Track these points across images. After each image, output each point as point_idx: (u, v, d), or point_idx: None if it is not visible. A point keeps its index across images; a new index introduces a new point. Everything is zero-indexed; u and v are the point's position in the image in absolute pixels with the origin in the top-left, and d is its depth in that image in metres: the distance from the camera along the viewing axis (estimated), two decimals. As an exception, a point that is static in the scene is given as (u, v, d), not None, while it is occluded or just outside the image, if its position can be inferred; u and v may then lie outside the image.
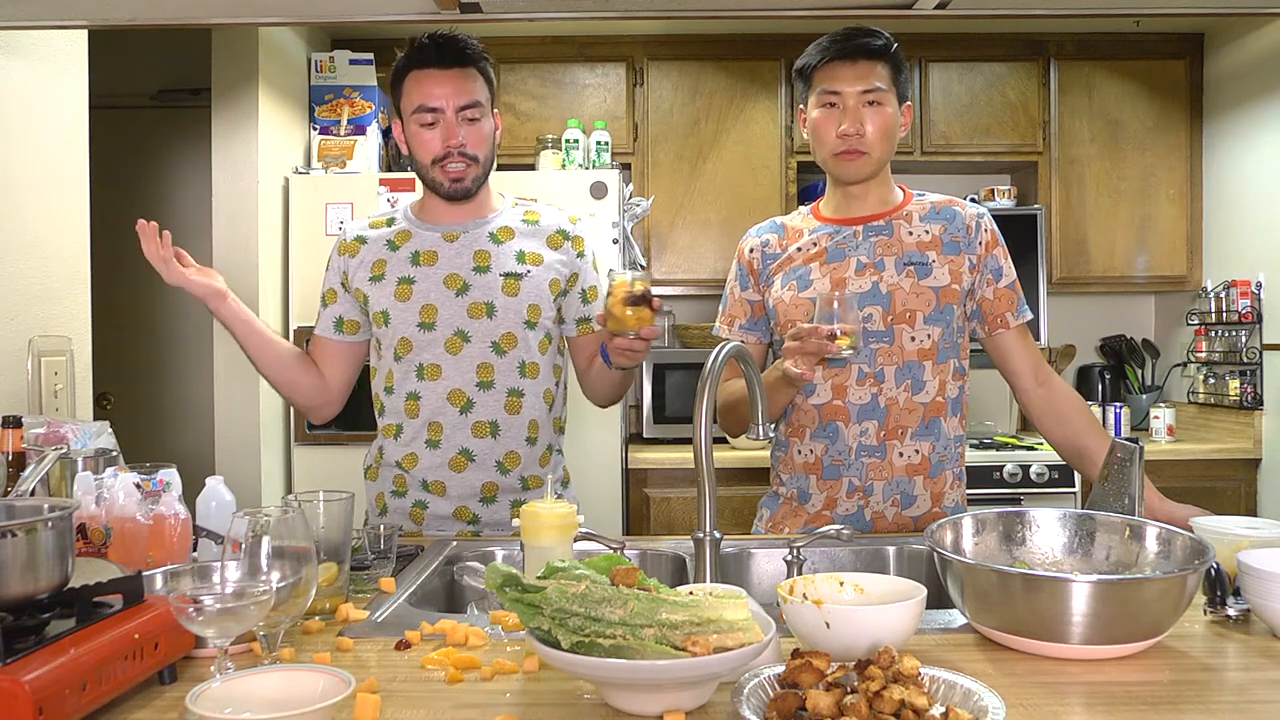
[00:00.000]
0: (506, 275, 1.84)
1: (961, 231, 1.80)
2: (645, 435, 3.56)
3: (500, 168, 3.46)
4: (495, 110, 1.86)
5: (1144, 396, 3.87)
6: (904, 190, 1.86)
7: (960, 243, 1.79)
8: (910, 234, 1.79)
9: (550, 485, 1.29)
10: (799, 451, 1.81)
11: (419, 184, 1.90)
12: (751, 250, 1.88)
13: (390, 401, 1.88)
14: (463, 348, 1.83)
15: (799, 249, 1.83)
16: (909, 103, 1.81)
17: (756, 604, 1.04)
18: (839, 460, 1.77)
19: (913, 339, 1.75)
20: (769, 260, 1.85)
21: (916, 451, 1.75)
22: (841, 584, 1.16)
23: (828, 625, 1.05)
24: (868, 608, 1.07)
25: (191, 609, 0.94)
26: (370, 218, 1.97)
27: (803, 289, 1.78)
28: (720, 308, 1.94)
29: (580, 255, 1.92)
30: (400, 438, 1.86)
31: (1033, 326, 3.64)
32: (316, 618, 1.25)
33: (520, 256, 1.86)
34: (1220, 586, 1.21)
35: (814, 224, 1.85)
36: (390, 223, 1.92)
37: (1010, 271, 1.83)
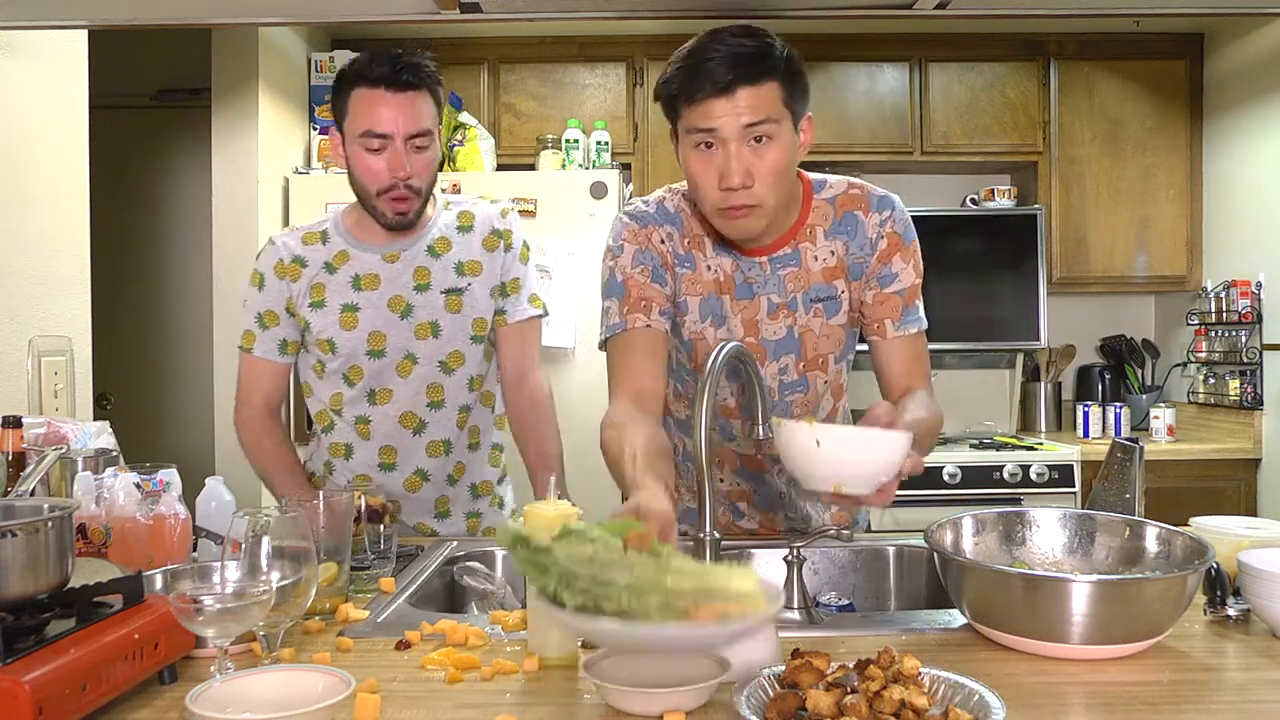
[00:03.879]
0: (447, 292, 1.78)
1: (864, 249, 1.55)
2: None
3: (500, 168, 3.48)
4: (438, 129, 1.75)
5: (1144, 396, 3.87)
6: (803, 181, 1.56)
7: (862, 264, 1.56)
8: (816, 259, 1.55)
9: (552, 486, 1.28)
10: (722, 480, 1.72)
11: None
12: (663, 241, 1.56)
13: (339, 421, 1.83)
14: (412, 370, 1.79)
15: (709, 268, 1.56)
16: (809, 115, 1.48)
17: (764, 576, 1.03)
18: (773, 499, 1.72)
19: (825, 382, 1.64)
20: (678, 263, 1.56)
21: None
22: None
23: (818, 443, 1.07)
24: (856, 428, 1.11)
25: (191, 609, 0.94)
26: (301, 230, 1.83)
27: (719, 326, 1.57)
28: (609, 303, 1.55)
29: (508, 249, 1.83)
30: (352, 459, 1.83)
31: (1033, 326, 3.66)
32: (316, 618, 1.25)
33: (459, 268, 1.80)
34: (1220, 586, 1.21)
35: (709, 236, 1.55)
36: (324, 238, 1.81)
37: (906, 278, 1.56)
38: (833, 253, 1.55)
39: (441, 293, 1.78)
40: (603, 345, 1.56)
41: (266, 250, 1.82)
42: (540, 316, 1.88)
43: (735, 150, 1.37)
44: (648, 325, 1.52)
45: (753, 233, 1.47)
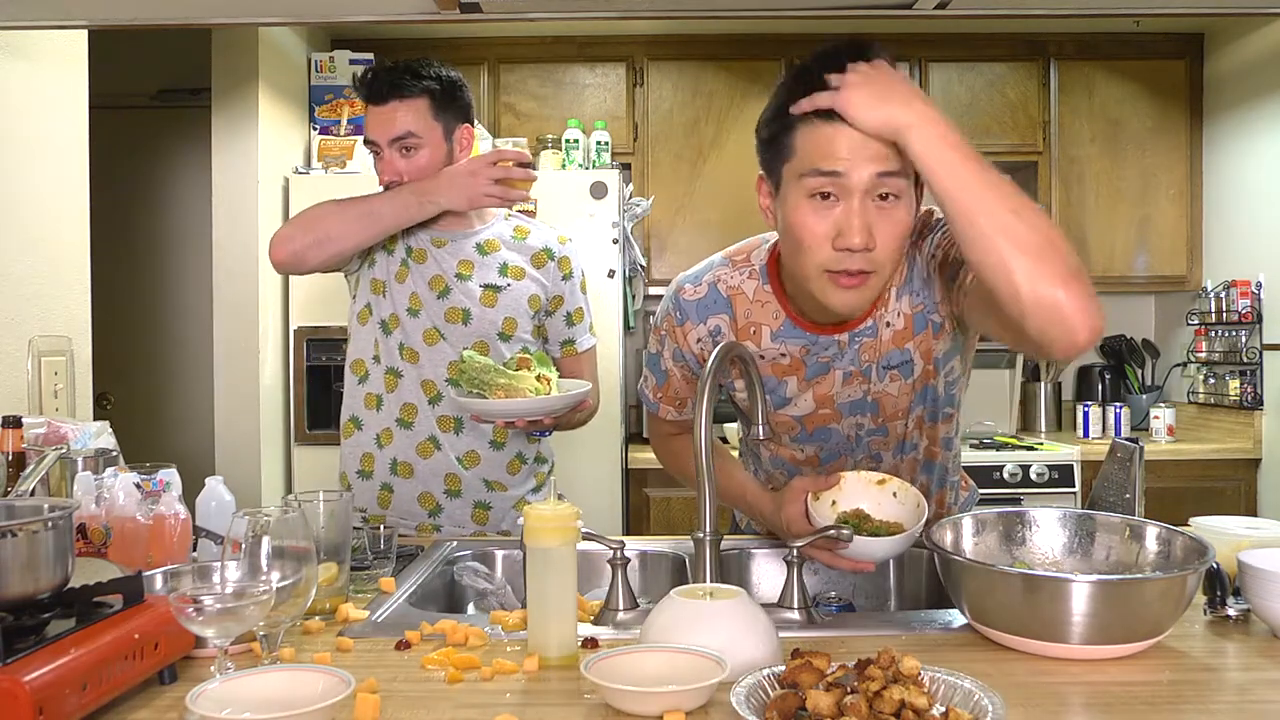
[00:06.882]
0: (485, 287, 1.88)
1: (922, 294, 1.43)
2: (645, 435, 3.55)
3: (500, 168, 3.48)
4: (465, 125, 1.89)
5: (1144, 396, 3.87)
6: None
7: (924, 312, 1.44)
8: (888, 326, 1.44)
9: (551, 487, 1.29)
10: (787, 445, 1.62)
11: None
12: (699, 341, 1.51)
13: (374, 370, 1.91)
14: (438, 342, 1.87)
15: (763, 357, 1.47)
16: None
17: (755, 603, 1.04)
18: (841, 447, 1.58)
19: (905, 425, 1.54)
20: None
21: (921, 484, 1.61)
22: (882, 482, 1.43)
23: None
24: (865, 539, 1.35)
25: (191, 609, 0.94)
26: None
27: (779, 406, 1.50)
28: (649, 375, 1.62)
29: (566, 277, 1.94)
30: (380, 410, 1.90)
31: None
32: (316, 618, 1.25)
33: (503, 269, 1.90)
34: (1220, 586, 1.21)
35: (777, 315, 1.46)
36: None
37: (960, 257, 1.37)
38: (899, 314, 1.43)
39: (481, 286, 1.88)
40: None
41: None
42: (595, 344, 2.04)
43: (860, 204, 1.23)
44: (677, 419, 1.64)
45: (862, 307, 1.34)
